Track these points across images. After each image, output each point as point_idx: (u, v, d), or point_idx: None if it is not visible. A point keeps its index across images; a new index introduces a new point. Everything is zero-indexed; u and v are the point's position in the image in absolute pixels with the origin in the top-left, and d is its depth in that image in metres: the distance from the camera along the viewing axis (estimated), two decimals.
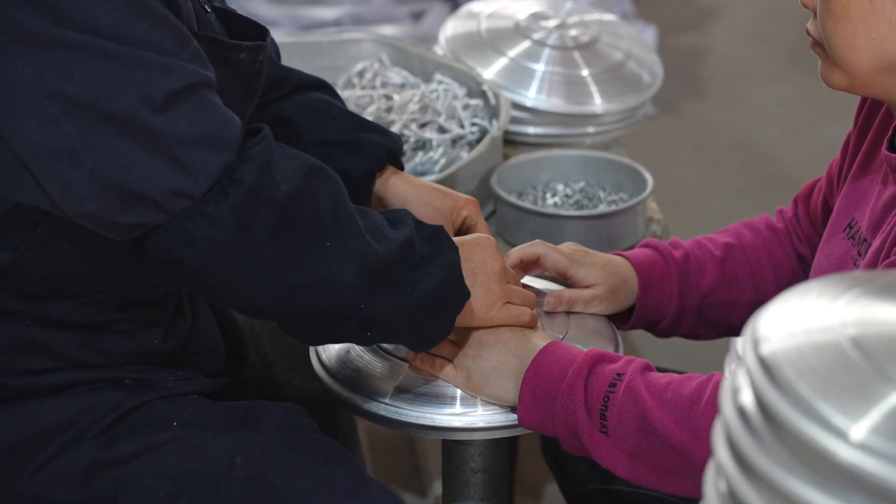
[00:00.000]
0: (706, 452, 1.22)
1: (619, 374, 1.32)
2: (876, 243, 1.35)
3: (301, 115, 1.57)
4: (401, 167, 1.60)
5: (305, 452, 1.42)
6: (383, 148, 1.56)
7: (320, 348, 1.51)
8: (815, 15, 1.34)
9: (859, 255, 1.40)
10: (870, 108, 1.48)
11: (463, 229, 1.56)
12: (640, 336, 1.83)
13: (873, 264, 1.34)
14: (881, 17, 1.27)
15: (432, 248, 1.33)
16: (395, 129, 2.06)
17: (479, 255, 1.40)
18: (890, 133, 1.40)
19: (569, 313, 1.54)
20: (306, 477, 1.39)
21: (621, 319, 1.61)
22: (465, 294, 1.34)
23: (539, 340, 1.39)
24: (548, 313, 1.53)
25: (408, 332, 1.34)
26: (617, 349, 1.49)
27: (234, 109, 1.33)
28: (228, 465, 1.38)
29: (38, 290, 1.34)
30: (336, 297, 1.27)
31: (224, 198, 1.21)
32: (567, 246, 1.58)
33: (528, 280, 1.58)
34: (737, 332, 1.66)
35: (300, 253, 1.25)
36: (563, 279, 1.58)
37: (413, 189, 1.56)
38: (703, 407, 1.27)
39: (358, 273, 1.26)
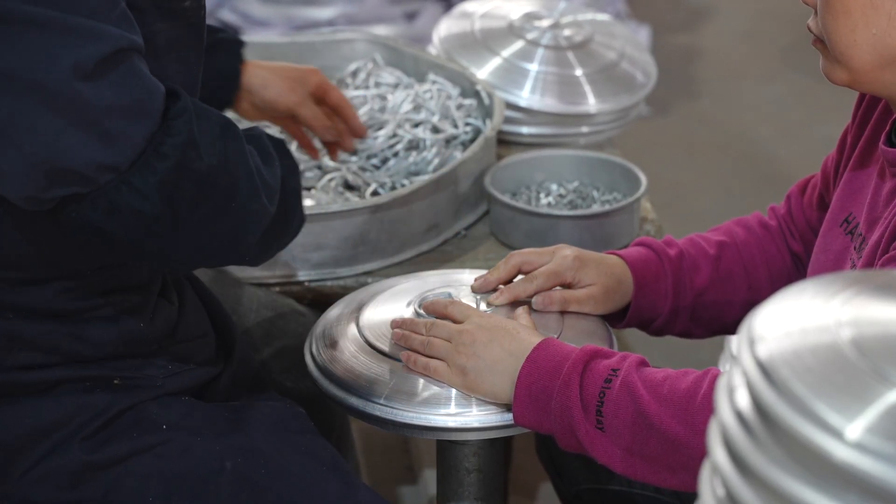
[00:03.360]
0: (703, 446, 1.22)
1: (614, 370, 1.32)
2: (873, 238, 1.35)
3: None
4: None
5: (296, 456, 1.42)
6: (240, 44, 1.76)
7: (315, 350, 1.51)
8: (816, 11, 1.34)
9: (856, 250, 1.40)
10: (868, 103, 1.49)
11: (319, 94, 1.86)
12: (634, 336, 1.83)
13: (871, 259, 1.34)
14: (881, 12, 1.28)
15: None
16: (388, 129, 2.06)
17: None
18: (888, 128, 1.41)
19: (563, 314, 1.54)
20: (296, 481, 1.39)
21: (615, 319, 1.61)
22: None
23: (533, 338, 1.39)
24: (542, 314, 1.52)
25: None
26: (612, 349, 1.48)
27: (192, 65, 1.35)
28: (218, 468, 1.38)
29: (7, 275, 1.33)
30: (242, 250, 1.37)
31: (152, 173, 1.22)
32: (557, 263, 1.56)
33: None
34: (730, 330, 1.66)
35: (216, 215, 1.30)
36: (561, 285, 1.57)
37: (271, 73, 1.83)
38: (700, 401, 1.27)
39: (258, 230, 1.35)
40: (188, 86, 1.37)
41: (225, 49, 1.75)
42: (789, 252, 1.66)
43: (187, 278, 1.58)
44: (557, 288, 1.55)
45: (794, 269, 1.65)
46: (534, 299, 1.53)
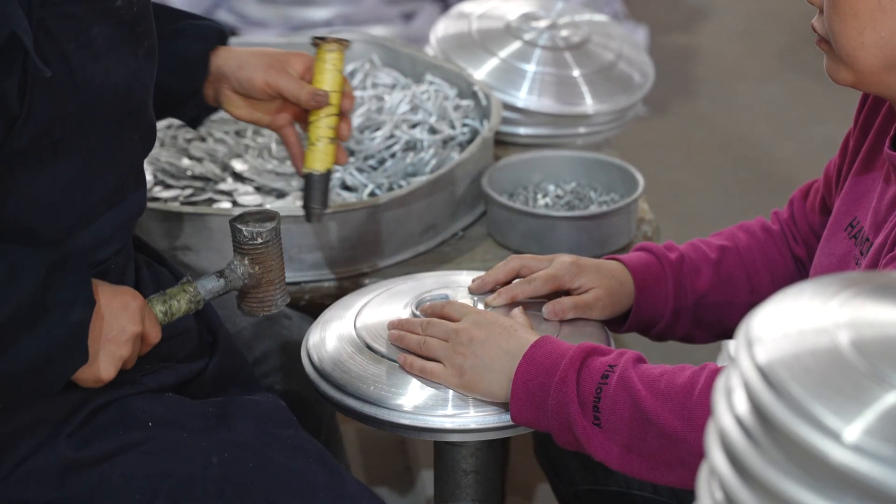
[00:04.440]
0: (701, 441, 1.22)
1: (611, 366, 1.32)
2: (878, 240, 1.35)
3: None
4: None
5: (282, 449, 1.42)
6: (212, 28, 1.63)
7: (312, 351, 1.51)
8: (821, 11, 1.34)
9: (861, 254, 1.40)
10: (870, 107, 1.48)
11: (307, 79, 1.62)
12: (632, 340, 1.83)
13: (875, 261, 1.34)
14: (889, 15, 1.28)
15: (61, 295, 1.30)
16: (385, 129, 2.06)
17: (119, 322, 1.35)
18: (892, 132, 1.40)
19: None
20: (283, 474, 1.39)
21: (616, 325, 1.60)
22: (83, 358, 1.32)
23: (530, 336, 1.39)
24: (539, 314, 1.52)
25: (4, 390, 1.31)
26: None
27: (134, 61, 1.36)
28: (204, 464, 1.38)
29: None
30: None
31: None
32: (555, 267, 1.56)
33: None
34: (732, 334, 1.65)
35: None
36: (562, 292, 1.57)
37: (249, 54, 1.64)
38: (698, 395, 1.27)
39: None
40: (132, 82, 1.38)
41: (190, 35, 1.64)
42: (792, 256, 1.66)
43: (172, 273, 1.58)
44: (562, 297, 1.55)
45: (796, 273, 1.65)
46: (543, 309, 1.52)
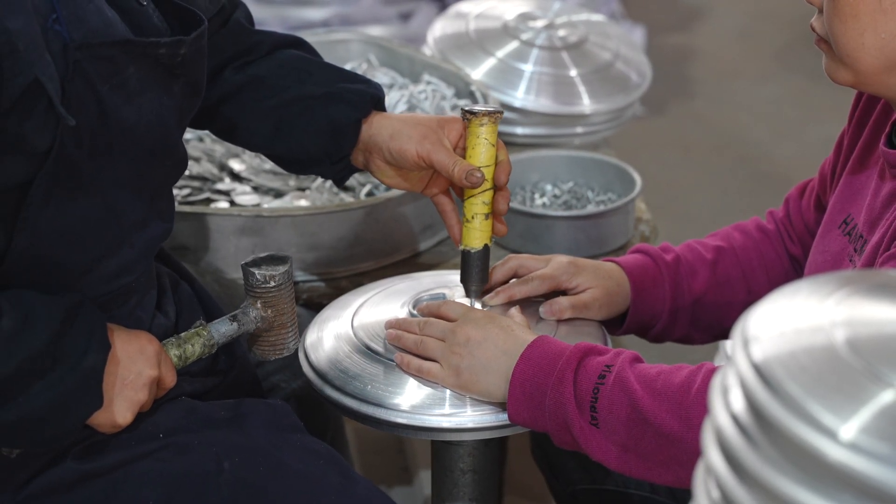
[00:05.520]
0: (698, 441, 1.22)
1: (608, 366, 1.32)
2: (874, 238, 1.35)
3: (277, 74, 1.58)
4: (383, 110, 1.59)
5: (293, 452, 1.42)
6: (366, 94, 1.56)
7: (309, 350, 1.51)
8: (820, 11, 1.34)
9: (855, 251, 1.40)
10: (865, 105, 1.49)
11: (461, 147, 1.54)
12: (629, 341, 1.84)
13: (871, 259, 1.34)
14: (890, 16, 1.28)
15: (76, 342, 1.29)
16: None
17: (136, 367, 1.35)
18: (888, 129, 1.41)
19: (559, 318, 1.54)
20: (294, 477, 1.39)
21: (613, 326, 1.61)
22: (97, 403, 1.31)
23: (527, 335, 1.39)
24: (536, 314, 1.53)
25: (23, 436, 1.31)
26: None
27: (157, 96, 1.33)
28: (216, 468, 1.38)
29: None
30: None
31: None
32: (552, 267, 1.56)
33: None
34: (730, 335, 1.65)
35: None
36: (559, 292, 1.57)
37: (402, 122, 1.55)
38: (695, 395, 1.27)
39: None
40: (165, 118, 1.36)
41: (343, 100, 1.55)
42: (788, 256, 1.66)
43: (193, 288, 1.58)
44: (560, 297, 1.55)
45: (792, 273, 1.65)
46: (541, 308, 1.53)
